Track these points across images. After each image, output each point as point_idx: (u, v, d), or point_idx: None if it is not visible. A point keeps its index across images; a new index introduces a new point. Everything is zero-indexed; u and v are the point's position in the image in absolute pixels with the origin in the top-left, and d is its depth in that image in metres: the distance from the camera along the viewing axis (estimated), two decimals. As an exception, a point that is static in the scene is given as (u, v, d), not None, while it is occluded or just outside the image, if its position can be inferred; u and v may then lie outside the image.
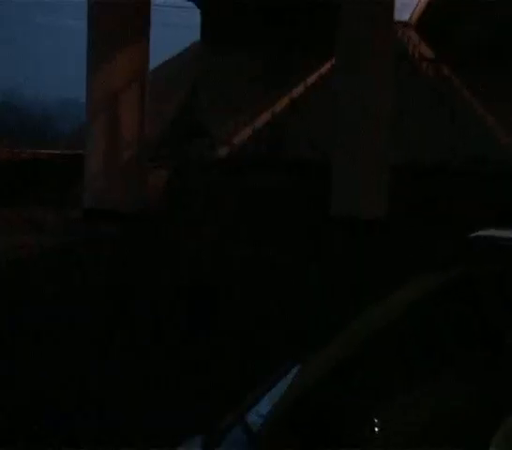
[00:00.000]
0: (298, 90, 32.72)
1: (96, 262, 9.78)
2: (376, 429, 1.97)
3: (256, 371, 4.48)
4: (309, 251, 10.79)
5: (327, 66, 27.17)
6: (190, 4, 32.47)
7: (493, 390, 2.26)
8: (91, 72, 14.20)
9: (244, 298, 7.95)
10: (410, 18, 34.28)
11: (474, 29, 29.12)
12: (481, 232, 2.27)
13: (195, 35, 33.97)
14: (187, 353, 6.06)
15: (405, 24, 33.73)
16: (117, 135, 13.82)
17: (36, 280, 8.72)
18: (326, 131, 15.23)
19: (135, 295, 8.11)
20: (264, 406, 1.86)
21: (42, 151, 19.64)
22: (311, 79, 31.92)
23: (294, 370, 2.03)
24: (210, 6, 30.99)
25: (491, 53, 30.89)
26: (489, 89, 32.90)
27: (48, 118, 37.78)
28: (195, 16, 33.56)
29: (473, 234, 2.29)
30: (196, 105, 31.93)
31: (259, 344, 6.14)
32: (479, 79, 32.84)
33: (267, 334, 6.52)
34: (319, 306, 7.02)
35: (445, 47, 32.98)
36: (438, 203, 14.98)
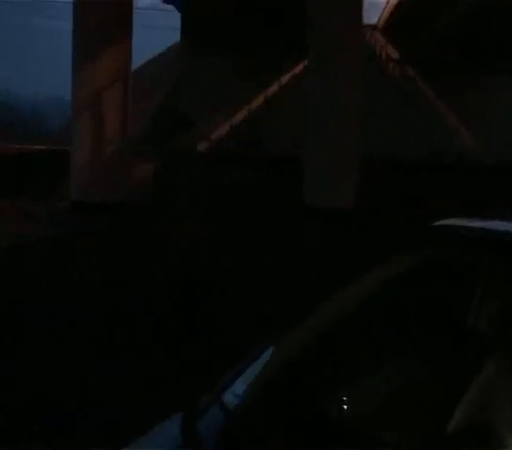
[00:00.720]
0: (274, 88, 32.78)
1: (81, 250, 9.77)
2: (345, 407, 1.96)
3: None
4: (281, 237, 10.87)
5: (301, 66, 27.11)
6: (171, 7, 32.43)
7: (454, 370, 2.27)
8: (76, 71, 14.15)
9: (223, 283, 7.98)
10: (377, 21, 34.41)
11: (437, 32, 29.26)
12: (444, 221, 2.27)
13: (175, 36, 33.92)
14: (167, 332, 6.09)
15: (373, 28, 33.87)
16: (102, 131, 13.79)
17: (22, 267, 8.68)
18: (301, 127, 15.23)
19: (114, 280, 8.13)
20: (240, 386, 1.85)
21: (31, 147, 19.49)
22: (286, 78, 31.97)
23: (268, 351, 2.01)
24: (190, 9, 30.91)
25: (453, 55, 31.07)
26: (451, 88, 33.12)
27: (36, 115, 37.46)
28: (176, 18, 33.49)
29: (436, 223, 2.29)
30: (177, 103, 31.85)
31: (235, 324, 6.16)
32: (442, 78, 33.06)
33: (241, 315, 6.55)
34: (293, 288, 7.06)
35: (410, 49, 33.16)
36: (403, 194, 15.06)
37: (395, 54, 35.19)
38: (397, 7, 30.71)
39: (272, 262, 9.15)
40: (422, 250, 2.28)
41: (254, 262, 9.15)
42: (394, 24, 32.56)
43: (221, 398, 1.79)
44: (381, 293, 2.28)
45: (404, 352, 2.38)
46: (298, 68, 28.91)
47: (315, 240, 10.80)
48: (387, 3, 32.84)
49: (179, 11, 32.72)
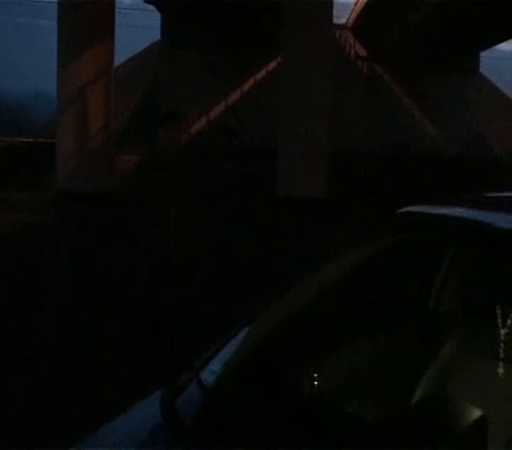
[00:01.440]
0: (249, 84, 32.70)
1: (64, 234, 9.80)
2: (316, 383, 1.96)
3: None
4: (254, 223, 10.91)
5: (274, 63, 27.07)
6: (151, 7, 32.25)
7: (417, 347, 2.27)
8: (61, 67, 14.05)
9: (201, 266, 7.98)
10: (346, 21, 34.46)
11: (402, 31, 29.36)
12: (409, 208, 2.27)
13: (156, 34, 33.74)
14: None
15: (342, 27, 33.91)
16: (86, 124, 13.75)
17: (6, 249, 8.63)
18: (274, 121, 15.23)
19: (92, 258, 8.18)
20: (216, 364, 1.84)
21: (18, 140, 19.32)
22: (261, 74, 31.92)
23: (244, 330, 2.00)
24: (169, 9, 30.74)
25: (417, 53, 31.24)
26: (415, 84, 33.33)
27: (23, 110, 37.05)
28: (156, 18, 33.31)
29: (402, 210, 2.29)
30: (157, 97, 31.71)
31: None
32: (406, 75, 33.23)
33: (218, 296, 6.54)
34: (268, 268, 7.08)
35: (377, 47, 33.29)
36: (371, 182, 15.13)
37: (363, 52, 35.28)
38: (365, 7, 30.79)
39: (247, 247, 9.15)
40: (389, 235, 2.28)
41: (232, 247, 9.15)
42: (362, 24, 32.65)
43: (199, 376, 1.78)
44: (351, 275, 2.28)
45: (372, 330, 2.38)
46: (272, 65, 28.85)
47: (288, 226, 10.82)
48: (356, 4, 32.93)
49: (159, 11, 32.54)
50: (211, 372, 1.79)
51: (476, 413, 1.66)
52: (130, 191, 13.58)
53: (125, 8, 33.80)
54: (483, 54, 36.64)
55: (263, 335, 1.99)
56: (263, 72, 31.60)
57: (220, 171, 15.99)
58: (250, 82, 32.57)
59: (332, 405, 2.03)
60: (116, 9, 14.86)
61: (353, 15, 33.75)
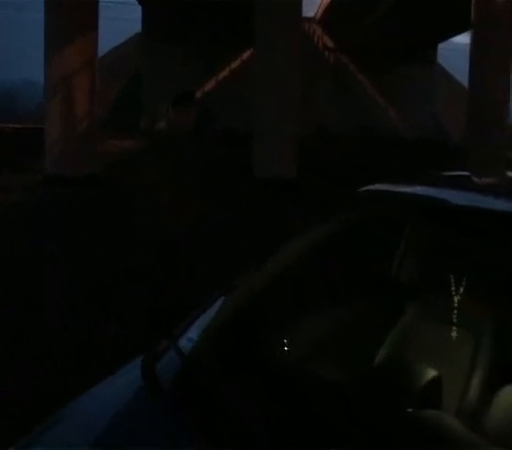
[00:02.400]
0: (226, 73, 32.52)
1: (50, 214, 9.75)
2: (286, 349, 1.96)
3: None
4: (233, 202, 10.91)
5: (249, 53, 26.84)
6: (132, 1, 31.91)
7: (380, 315, 2.28)
8: (48, 57, 13.85)
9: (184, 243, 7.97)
10: (315, 15, 34.24)
11: (366, 24, 29.27)
12: (371, 187, 2.26)
13: (137, 27, 33.34)
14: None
15: (311, 20, 33.72)
16: (72, 111, 13.64)
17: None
18: (249, 107, 15.13)
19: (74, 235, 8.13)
20: (194, 332, 1.83)
21: (7, 126, 18.98)
22: (236, 64, 31.72)
23: (220, 300, 1.99)
24: (149, 2, 30.35)
25: (381, 43, 31.21)
26: (379, 73, 33.35)
27: (12, 97, 36.39)
28: (137, 11, 32.90)
29: (365, 188, 2.28)
30: (139, 86, 31.47)
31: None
32: (371, 64, 33.24)
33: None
34: (241, 243, 7.08)
35: (343, 38, 33.20)
36: (338, 163, 15.14)
37: (330, 44, 35.17)
38: (331, 2, 30.62)
39: (228, 224, 9.13)
40: (352, 211, 2.27)
41: (213, 225, 9.13)
42: (329, 17, 32.51)
43: (177, 343, 1.77)
44: (318, 249, 2.27)
45: (339, 299, 2.39)
46: (246, 55, 28.61)
47: (264, 205, 10.82)
48: (323, -2, 32.75)
49: (140, 4, 32.15)
50: (188, 340, 1.78)
51: (432, 373, 1.68)
52: (114, 174, 13.58)
53: (108, 2, 33.22)
54: (440, 46, 36.76)
55: (237, 304, 1.98)
56: (237, 62, 31.38)
57: (199, 153, 15.87)
58: (226, 70, 32.37)
59: (302, 369, 2.04)
60: (100, 3, 14.67)
61: (321, 9, 33.60)
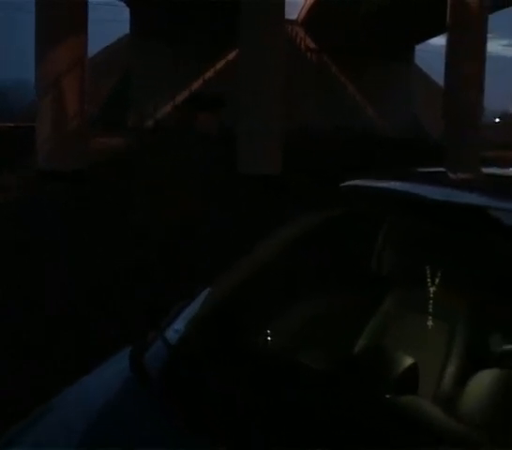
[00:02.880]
0: (211, 73, 32.42)
1: (41, 207, 9.76)
2: (268, 338, 1.96)
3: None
4: (217, 196, 10.89)
5: (234, 53, 26.72)
6: (121, 3, 31.71)
7: (360, 305, 2.29)
8: (39, 57, 13.75)
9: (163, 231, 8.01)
10: (297, 17, 34.21)
11: (347, 26, 29.29)
12: (352, 182, 2.26)
13: (125, 28, 33.18)
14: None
15: (294, 23, 33.68)
16: (63, 109, 13.58)
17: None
18: (234, 105, 15.09)
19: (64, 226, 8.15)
20: (180, 323, 1.82)
21: (1, 124, 18.82)
22: (221, 64, 31.63)
23: (205, 292, 1.98)
24: (138, 4, 30.18)
25: (360, 45, 31.29)
26: (359, 73, 33.42)
27: (4, 96, 35.99)
28: (125, 13, 32.72)
29: (345, 183, 2.28)
30: (128, 86, 31.34)
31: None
32: (351, 65, 33.31)
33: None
34: (228, 235, 7.06)
35: (325, 40, 33.23)
36: (321, 161, 15.14)
37: (312, 45, 35.17)
38: (313, 5, 30.61)
39: (212, 218, 9.12)
40: (334, 206, 2.27)
41: (197, 218, 9.11)
42: (311, 20, 32.50)
43: (164, 334, 1.76)
44: (300, 241, 2.27)
45: (321, 290, 2.39)
46: (231, 55, 28.50)
47: (247, 200, 10.80)
48: (305, 1, 32.69)
49: (128, 6, 31.97)
50: (174, 331, 1.77)
51: (409, 361, 1.68)
52: (103, 170, 13.58)
53: (98, 4, 33.01)
54: (418, 48, 36.92)
55: (221, 296, 1.97)
56: (223, 62, 31.29)
57: (184, 149, 15.96)
58: (212, 70, 32.28)
59: (284, 357, 2.04)
60: (90, 5, 14.57)
61: (304, 12, 33.58)
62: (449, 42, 16.40)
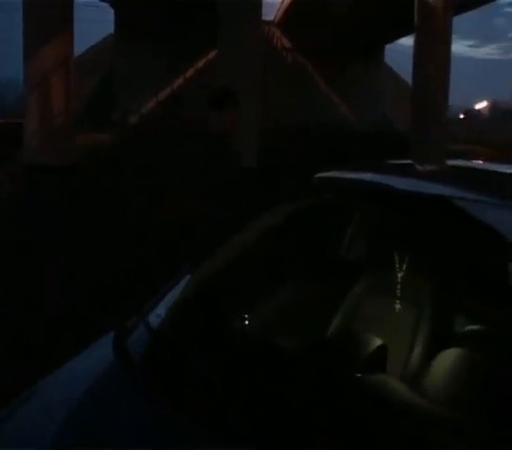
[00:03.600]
0: (191, 71, 32.24)
1: (28, 199, 9.77)
2: (246, 322, 1.95)
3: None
4: (197, 185, 10.85)
5: (213, 53, 26.52)
6: (105, 4, 31.27)
7: (332, 290, 2.29)
8: (26, 56, 13.55)
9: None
10: (274, 18, 34.05)
11: (320, 27, 29.21)
12: (325, 173, 2.25)
13: (110, 28, 32.81)
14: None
15: (270, 23, 33.52)
16: (50, 106, 13.43)
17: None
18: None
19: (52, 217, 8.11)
20: (162, 308, 1.80)
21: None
22: (201, 62, 31.44)
23: (186, 278, 1.96)
24: (121, 5, 29.82)
25: (333, 45, 31.26)
26: (333, 71, 33.41)
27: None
28: (109, 13, 32.33)
29: (319, 175, 2.27)
30: (112, 84, 31.07)
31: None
32: (325, 63, 33.30)
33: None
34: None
35: (300, 40, 33.15)
36: (295, 155, 15.11)
37: (288, 45, 35.08)
38: (289, 6, 30.46)
39: (195, 204, 9.05)
40: (307, 196, 2.26)
41: (181, 203, 9.06)
42: (287, 21, 32.36)
43: (146, 319, 1.74)
44: (276, 230, 2.25)
45: (295, 276, 2.39)
46: (211, 54, 28.29)
47: (226, 188, 10.73)
48: (282, 2, 32.54)
49: (112, 7, 31.58)
50: (156, 316, 1.75)
51: (378, 342, 1.69)
52: (88, 164, 13.47)
53: (83, 5, 32.59)
54: (388, 47, 37.00)
55: (201, 282, 1.96)
56: (203, 61, 31.08)
57: (166, 144, 15.86)
58: (192, 68, 32.09)
59: (261, 340, 2.04)
60: (76, 6, 14.37)
61: (280, 13, 33.43)
62: (416, 43, 16.44)
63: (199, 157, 3.50)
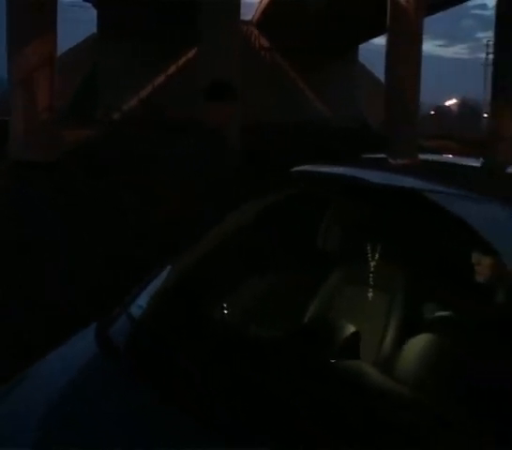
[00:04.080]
0: (172, 69, 32.06)
1: (16, 191, 9.79)
2: (225, 311, 1.94)
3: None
4: (180, 178, 10.82)
5: (194, 51, 26.38)
6: (88, 4, 30.92)
7: (308, 279, 2.29)
8: (11, 55, 13.37)
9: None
10: (252, 18, 33.91)
11: (297, 27, 29.17)
12: (302, 167, 2.24)
13: (93, 27, 32.45)
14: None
15: (249, 23, 33.39)
16: (35, 104, 13.30)
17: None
18: (193, 98, 14.90)
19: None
20: (143, 299, 1.79)
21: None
22: (182, 60, 31.28)
23: (166, 269, 1.94)
24: (104, 6, 29.51)
25: (309, 44, 31.25)
26: (309, 70, 33.41)
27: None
28: (93, 13, 31.95)
29: (296, 168, 2.26)
30: (95, 81, 30.82)
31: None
32: (301, 62, 33.29)
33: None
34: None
35: (277, 39, 33.09)
36: (274, 150, 15.10)
37: (265, 44, 34.99)
38: (267, 6, 30.37)
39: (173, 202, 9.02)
40: (285, 189, 2.25)
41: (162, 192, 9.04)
42: (265, 20, 32.26)
43: (128, 309, 1.73)
44: (255, 222, 2.24)
45: (273, 267, 2.38)
46: (191, 53, 28.12)
47: (206, 180, 10.71)
48: (260, 3, 32.42)
49: (95, 7, 31.24)
50: (138, 306, 1.74)
51: (352, 329, 1.69)
52: (72, 159, 13.39)
53: (68, 5, 32.18)
54: (363, 47, 37.09)
55: (181, 272, 1.94)
56: (183, 59, 30.90)
57: (148, 139, 15.78)
58: (174, 67, 31.90)
59: (241, 328, 2.03)
60: (61, 6, 14.20)
61: (258, 13, 33.31)
62: (388, 43, 16.49)
63: (193, 151, 3.30)
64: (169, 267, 1.98)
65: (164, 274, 1.93)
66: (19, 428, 1.37)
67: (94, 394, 1.43)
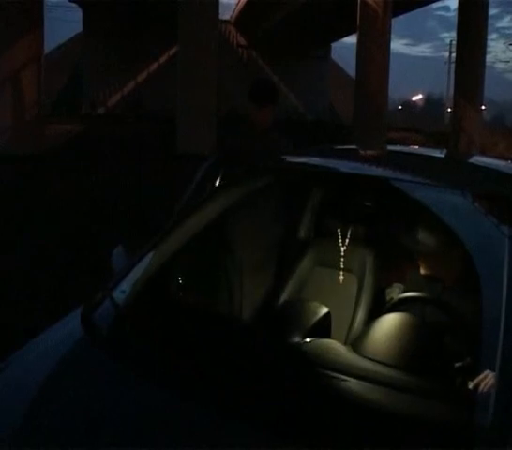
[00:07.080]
0: (154, 66, 31.76)
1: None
2: (202, 295, 1.92)
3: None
4: (157, 174, 10.68)
5: (174, 49, 26.10)
6: (74, 4, 30.33)
7: (283, 262, 2.28)
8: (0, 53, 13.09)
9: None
10: (230, 18, 33.61)
11: (272, 25, 29.02)
12: (274, 157, 2.21)
13: (79, 27, 31.87)
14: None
15: (227, 22, 33.10)
16: (22, 100, 13.11)
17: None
18: (174, 94, 14.73)
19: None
20: (125, 284, 1.76)
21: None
22: (164, 58, 30.98)
23: (148, 255, 1.91)
24: (90, 6, 28.99)
25: (283, 42, 31.13)
26: (283, 67, 33.32)
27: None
28: (78, 13, 31.33)
29: (269, 158, 2.23)
30: (80, 78, 30.42)
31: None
32: (275, 59, 33.19)
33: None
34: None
35: (253, 38, 32.89)
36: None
37: (242, 42, 34.75)
38: (244, 7, 30.12)
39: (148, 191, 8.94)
40: (262, 177, 2.21)
41: (137, 191, 8.97)
42: (242, 20, 32.00)
43: (112, 294, 1.70)
44: (233, 208, 2.20)
45: (250, 250, 2.36)
46: (172, 51, 27.81)
47: (179, 175, 10.60)
48: (237, 4, 32.12)
49: (81, 7, 30.68)
50: (121, 291, 1.71)
51: (324, 310, 1.69)
52: (57, 152, 13.24)
53: (54, 6, 31.54)
54: (336, 45, 37.04)
55: (160, 259, 1.91)
56: (166, 56, 30.56)
57: (131, 132, 15.58)
58: (156, 64, 31.57)
59: (215, 311, 2.02)
60: (47, 6, 13.92)
61: (236, 12, 33.03)
62: (359, 41, 16.46)
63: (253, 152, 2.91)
64: (150, 253, 1.94)
65: (145, 260, 1.89)
66: (4, 412, 1.34)
67: (79, 376, 1.41)
